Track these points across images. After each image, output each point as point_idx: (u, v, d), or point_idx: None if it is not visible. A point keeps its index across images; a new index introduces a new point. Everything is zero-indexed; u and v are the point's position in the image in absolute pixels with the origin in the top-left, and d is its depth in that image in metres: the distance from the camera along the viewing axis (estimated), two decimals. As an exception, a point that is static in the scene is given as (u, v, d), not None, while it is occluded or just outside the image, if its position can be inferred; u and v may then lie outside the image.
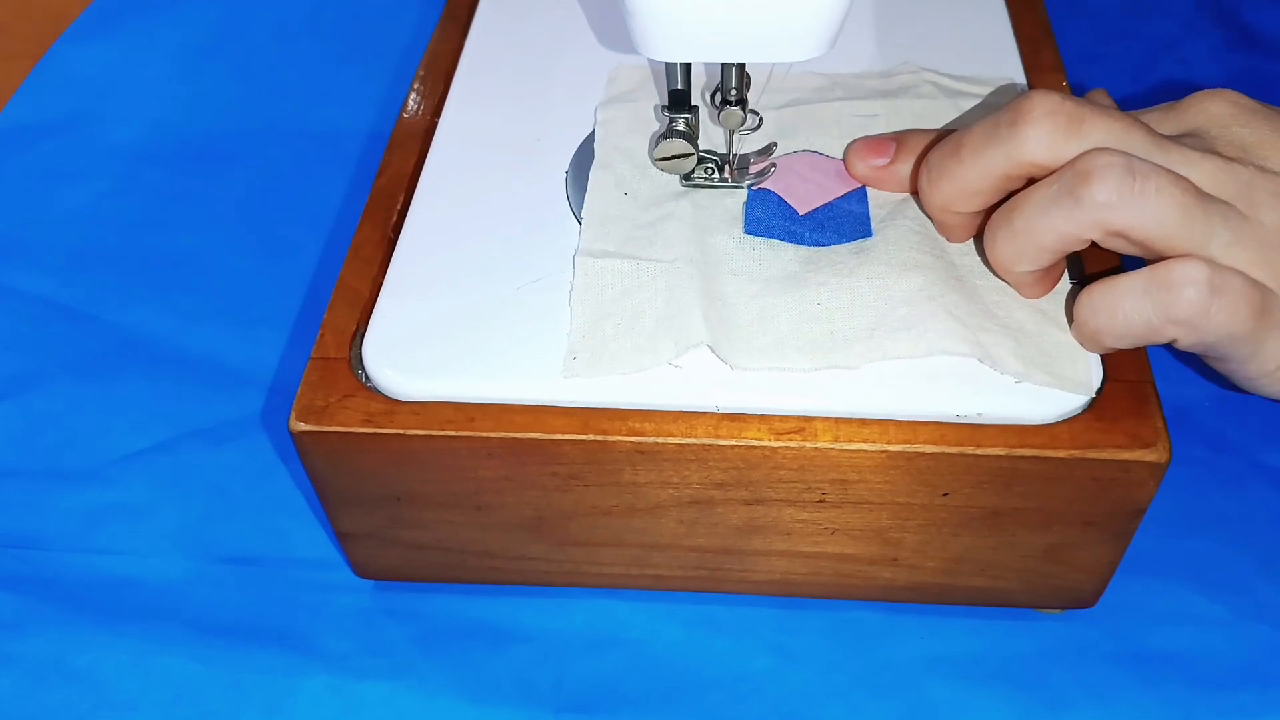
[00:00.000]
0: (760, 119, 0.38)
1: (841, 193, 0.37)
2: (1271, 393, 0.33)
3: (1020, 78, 0.42)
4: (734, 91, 0.36)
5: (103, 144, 0.57)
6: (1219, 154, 0.32)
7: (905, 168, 0.37)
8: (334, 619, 0.39)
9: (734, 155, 0.38)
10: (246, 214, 0.53)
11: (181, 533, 0.41)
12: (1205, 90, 0.35)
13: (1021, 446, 0.32)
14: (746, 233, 0.36)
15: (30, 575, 0.40)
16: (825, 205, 0.37)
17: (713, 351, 0.33)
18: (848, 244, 0.36)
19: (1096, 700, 0.36)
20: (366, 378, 0.34)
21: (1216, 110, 0.34)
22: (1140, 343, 0.32)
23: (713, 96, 0.37)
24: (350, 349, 0.35)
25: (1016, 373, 0.32)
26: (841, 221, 0.36)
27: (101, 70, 0.60)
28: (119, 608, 0.39)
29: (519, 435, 0.32)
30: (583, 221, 0.37)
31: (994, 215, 0.33)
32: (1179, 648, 0.37)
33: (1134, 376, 0.33)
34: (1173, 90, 0.56)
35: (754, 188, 0.38)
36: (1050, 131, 0.31)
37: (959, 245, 0.36)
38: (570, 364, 0.33)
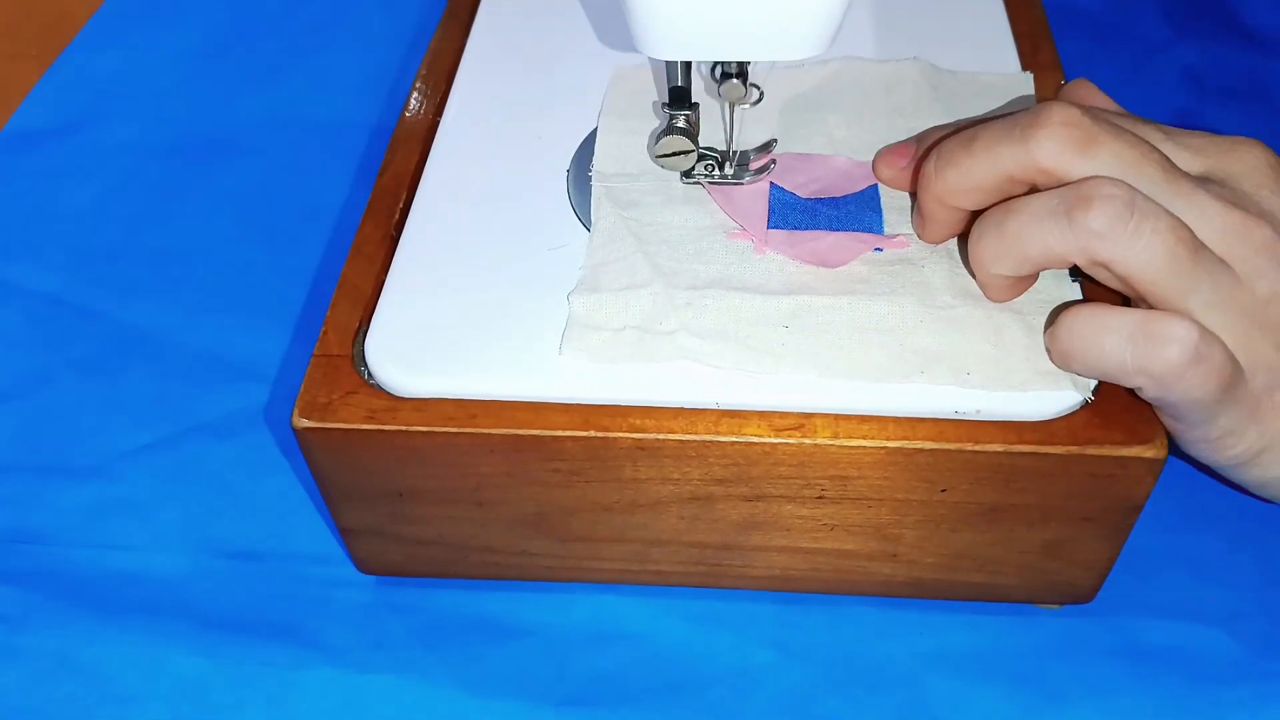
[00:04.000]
0: (761, 93, 0.37)
1: (850, 190, 0.38)
2: (1206, 457, 0.33)
3: (1021, 79, 0.42)
4: (735, 64, 0.36)
5: (107, 142, 0.57)
6: (1238, 208, 0.31)
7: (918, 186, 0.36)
8: (337, 614, 0.39)
9: (734, 151, 0.38)
10: (250, 210, 0.53)
11: (185, 528, 0.41)
12: (1251, 139, 0.34)
13: (1020, 443, 0.32)
14: (771, 227, 0.36)
15: (35, 570, 0.40)
16: (834, 199, 0.37)
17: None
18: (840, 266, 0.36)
19: (1094, 695, 0.36)
20: (369, 375, 0.34)
21: (1251, 160, 0.33)
22: (1106, 379, 0.32)
23: (713, 70, 0.37)
24: (353, 346, 0.35)
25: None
26: (853, 216, 0.37)
27: (110, 73, 0.61)
28: (123, 602, 0.39)
29: (520, 432, 0.33)
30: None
31: (988, 212, 0.33)
32: (1176, 643, 0.37)
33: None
34: (1172, 90, 0.57)
35: (758, 183, 0.38)
36: (1064, 142, 0.31)
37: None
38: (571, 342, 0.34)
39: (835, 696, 0.36)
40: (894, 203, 0.37)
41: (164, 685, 0.37)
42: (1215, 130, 0.35)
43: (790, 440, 0.32)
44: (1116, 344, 0.30)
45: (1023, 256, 0.32)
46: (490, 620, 0.38)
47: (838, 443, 0.32)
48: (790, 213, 0.37)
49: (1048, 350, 0.33)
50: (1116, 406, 0.32)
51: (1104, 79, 0.36)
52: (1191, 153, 0.33)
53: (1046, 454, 0.32)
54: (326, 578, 0.40)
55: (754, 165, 0.38)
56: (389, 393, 0.34)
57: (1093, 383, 0.33)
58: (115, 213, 0.53)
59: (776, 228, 0.37)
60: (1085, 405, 0.33)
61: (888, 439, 0.32)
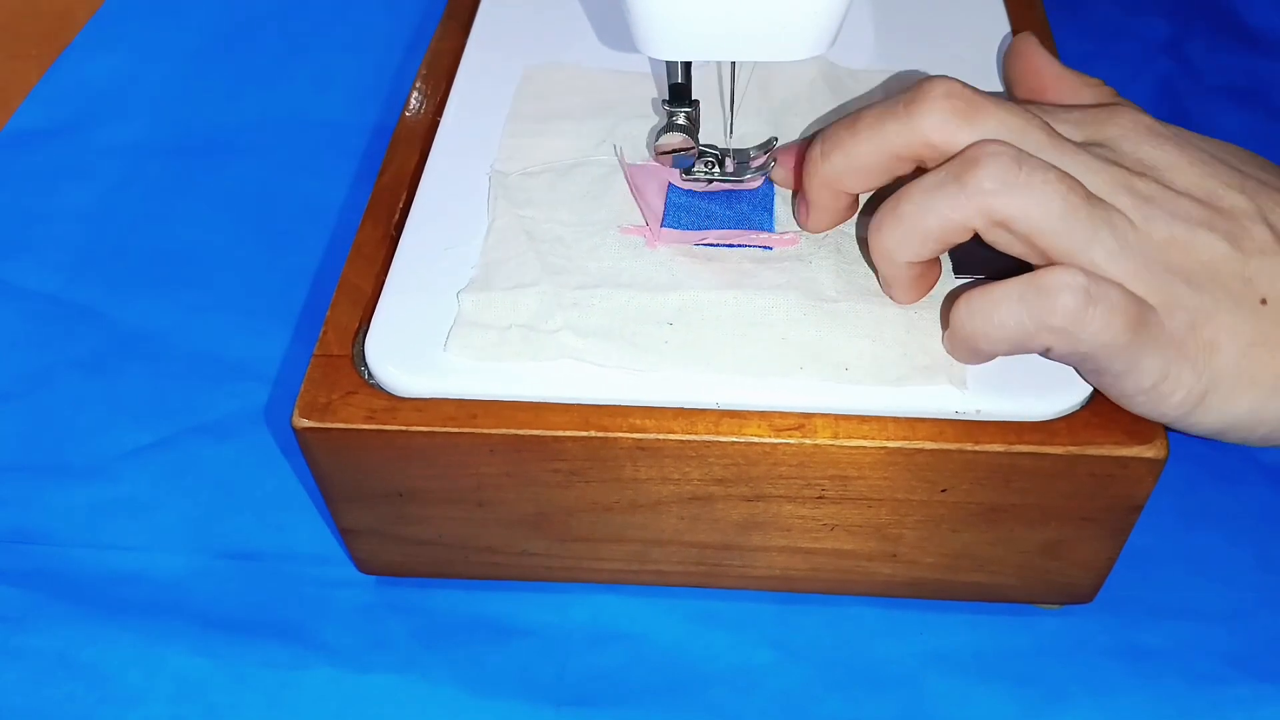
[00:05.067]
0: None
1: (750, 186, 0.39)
2: (1147, 411, 0.32)
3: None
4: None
5: (107, 142, 0.57)
6: (1120, 165, 0.32)
7: (805, 183, 0.36)
8: (337, 614, 0.39)
9: (732, 149, 0.38)
10: (250, 210, 0.53)
11: (185, 527, 0.41)
12: (1120, 103, 0.35)
13: (1020, 443, 0.32)
14: (665, 226, 0.37)
15: (35, 570, 0.40)
16: (728, 195, 0.38)
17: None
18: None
19: (1094, 695, 0.36)
20: (369, 375, 0.34)
21: (1128, 123, 0.33)
22: (1016, 350, 0.32)
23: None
24: (353, 346, 0.35)
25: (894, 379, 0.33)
26: (745, 216, 0.37)
27: (110, 73, 0.61)
28: (123, 602, 0.39)
29: (520, 432, 0.33)
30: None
31: (882, 204, 0.33)
32: (1177, 643, 0.37)
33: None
34: (1171, 90, 0.57)
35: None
36: (946, 113, 0.31)
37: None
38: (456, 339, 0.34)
39: (835, 696, 0.36)
40: (788, 200, 0.38)
41: (164, 685, 0.37)
42: (1214, 132, 0.35)
43: (790, 440, 0.32)
44: (1011, 309, 0.31)
45: (924, 234, 0.32)
46: (490, 620, 0.38)
47: (838, 443, 0.32)
48: (683, 213, 0.38)
49: (948, 342, 0.33)
50: (1117, 406, 0.32)
51: (1104, 78, 0.36)
52: (1071, 125, 0.34)
53: (1046, 454, 0.32)
54: (326, 578, 0.40)
55: (754, 164, 0.38)
56: (389, 393, 0.34)
57: (967, 375, 0.33)
58: (115, 213, 0.53)
59: (670, 227, 0.37)
60: (1085, 405, 0.33)
61: (888, 439, 0.32)
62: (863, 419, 0.32)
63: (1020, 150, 0.31)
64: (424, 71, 0.45)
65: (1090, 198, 0.31)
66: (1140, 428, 0.32)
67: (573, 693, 0.37)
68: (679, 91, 0.37)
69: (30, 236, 0.52)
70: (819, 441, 0.32)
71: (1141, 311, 0.30)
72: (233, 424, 0.44)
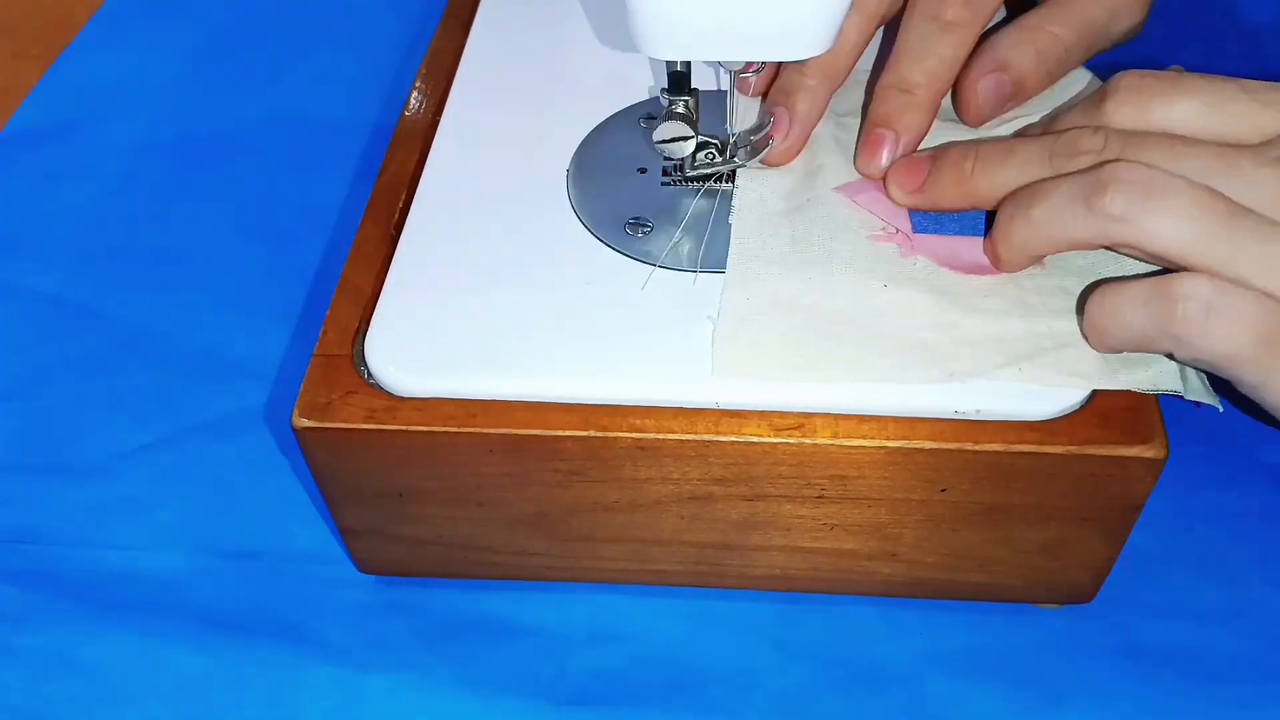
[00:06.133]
0: (762, 64, 0.37)
1: None
2: None
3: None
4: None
5: (107, 142, 0.57)
6: None
7: (937, 192, 0.36)
8: (336, 613, 0.39)
9: (734, 133, 0.38)
10: (250, 209, 0.53)
11: (184, 527, 0.41)
12: None
13: (1019, 443, 0.32)
14: (916, 231, 0.36)
15: (34, 569, 0.40)
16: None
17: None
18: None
19: (1094, 695, 0.36)
20: (369, 374, 0.34)
21: None
22: (1142, 349, 0.32)
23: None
24: (353, 346, 0.35)
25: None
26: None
27: (109, 73, 0.61)
28: (122, 601, 0.39)
29: (520, 431, 0.33)
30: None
31: (1013, 198, 0.33)
32: (1176, 643, 0.37)
33: (1131, 373, 0.33)
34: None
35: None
36: (1130, 199, 0.31)
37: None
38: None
39: (835, 696, 0.36)
40: None
41: (163, 684, 0.37)
42: None
43: (790, 440, 0.32)
44: (1135, 311, 0.31)
45: (1051, 242, 0.33)
46: (490, 620, 0.38)
47: (837, 442, 0.32)
48: (923, 217, 0.37)
49: (1087, 337, 0.33)
50: (1116, 406, 0.32)
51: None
52: (1275, 110, 0.32)
53: (1046, 454, 0.32)
54: (326, 577, 0.40)
55: (755, 142, 0.38)
56: (389, 393, 0.34)
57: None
58: (115, 213, 0.53)
59: (923, 231, 0.36)
60: (1085, 405, 0.33)
61: (887, 439, 0.32)
62: (862, 419, 0.32)
63: (1152, 172, 0.30)
64: (424, 71, 0.45)
65: (1233, 215, 0.30)
66: (1140, 428, 0.32)
67: (572, 692, 0.37)
68: (678, 81, 0.37)
69: (30, 236, 0.52)
70: (819, 441, 0.32)
71: (1276, 322, 0.30)
72: (233, 424, 0.44)
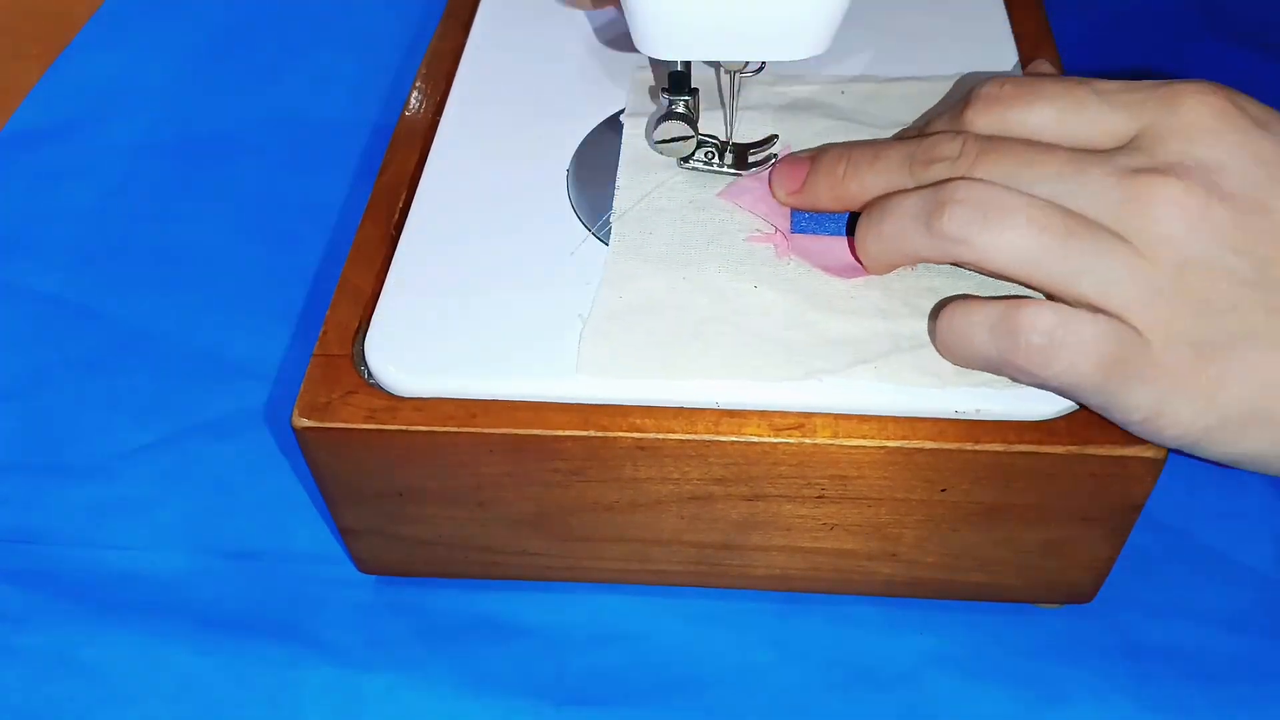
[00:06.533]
0: (763, 64, 0.37)
1: None
2: (1156, 440, 0.31)
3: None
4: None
5: (107, 142, 0.57)
6: (1140, 176, 0.29)
7: (814, 194, 0.36)
8: (336, 613, 0.39)
9: (733, 135, 0.38)
10: (250, 209, 0.53)
11: (184, 527, 0.41)
12: (1201, 83, 0.31)
13: (1019, 442, 0.32)
14: (794, 231, 0.36)
15: (34, 569, 0.40)
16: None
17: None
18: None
19: (1094, 695, 0.36)
20: (369, 374, 0.34)
21: (1197, 115, 0.30)
22: (990, 370, 0.32)
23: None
24: (353, 345, 0.35)
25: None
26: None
27: (109, 73, 0.61)
28: (122, 601, 0.39)
29: (520, 431, 0.33)
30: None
31: (869, 209, 0.33)
32: (1176, 642, 0.37)
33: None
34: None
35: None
36: (964, 220, 0.31)
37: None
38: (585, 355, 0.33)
39: (835, 696, 0.36)
40: None
41: (163, 684, 0.37)
42: None
43: (790, 440, 0.32)
44: (981, 337, 0.31)
45: (901, 255, 0.33)
46: (490, 620, 0.38)
47: (837, 442, 0.32)
48: (804, 217, 0.37)
49: (938, 351, 0.33)
50: (1116, 406, 0.32)
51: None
52: (1127, 112, 0.31)
53: (1046, 454, 0.32)
54: (326, 577, 0.40)
55: (753, 158, 0.38)
56: (389, 392, 0.34)
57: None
58: (115, 213, 0.53)
59: (800, 231, 0.36)
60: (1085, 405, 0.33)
61: (887, 439, 0.32)
62: (862, 419, 0.32)
63: (990, 190, 0.30)
64: (424, 71, 0.45)
65: (1070, 234, 0.30)
66: (1140, 427, 0.32)
67: (572, 692, 0.37)
68: (678, 80, 0.37)
69: (30, 236, 0.52)
70: (818, 441, 0.32)
71: (1121, 350, 0.29)
72: (233, 424, 0.45)
